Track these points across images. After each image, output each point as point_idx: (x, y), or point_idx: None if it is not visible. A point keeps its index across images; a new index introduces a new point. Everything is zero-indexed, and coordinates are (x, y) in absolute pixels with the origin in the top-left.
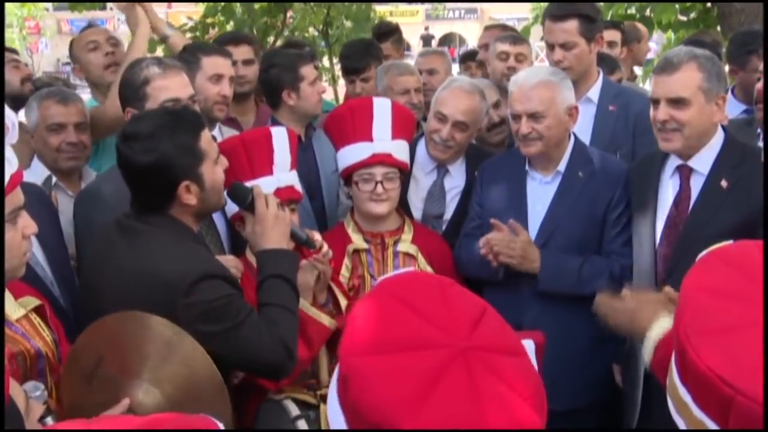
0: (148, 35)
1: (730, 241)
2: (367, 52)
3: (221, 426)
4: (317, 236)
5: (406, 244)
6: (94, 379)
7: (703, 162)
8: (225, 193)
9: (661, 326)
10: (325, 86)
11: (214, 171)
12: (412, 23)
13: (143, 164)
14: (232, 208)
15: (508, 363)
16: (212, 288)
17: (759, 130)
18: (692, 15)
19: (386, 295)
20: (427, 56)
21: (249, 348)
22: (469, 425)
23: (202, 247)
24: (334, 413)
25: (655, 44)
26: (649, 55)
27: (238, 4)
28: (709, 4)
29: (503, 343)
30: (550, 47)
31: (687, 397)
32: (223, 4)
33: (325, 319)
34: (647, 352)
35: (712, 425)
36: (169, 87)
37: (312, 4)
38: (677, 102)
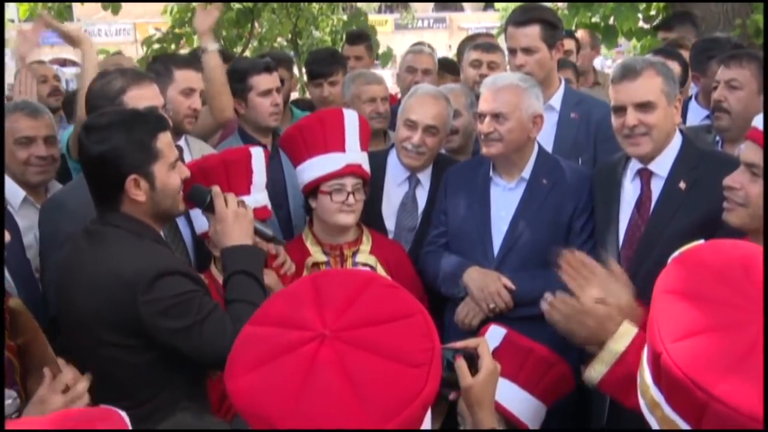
0: (94, 51)
1: (701, 241)
2: (334, 58)
3: (123, 415)
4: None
5: (364, 255)
6: None
7: (662, 165)
8: (184, 196)
9: (626, 337)
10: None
11: (168, 174)
12: (381, 33)
13: (95, 153)
14: (201, 224)
15: (387, 330)
16: (172, 284)
17: (717, 138)
18: (655, 23)
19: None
20: (420, 54)
21: (214, 344)
22: (351, 407)
23: (164, 248)
24: None
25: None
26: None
27: None
28: (671, 13)
29: (381, 312)
30: (512, 52)
31: (659, 397)
32: (189, 15)
33: None
34: (604, 365)
35: (684, 425)
36: (145, 96)
37: (279, 14)
38: (644, 106)
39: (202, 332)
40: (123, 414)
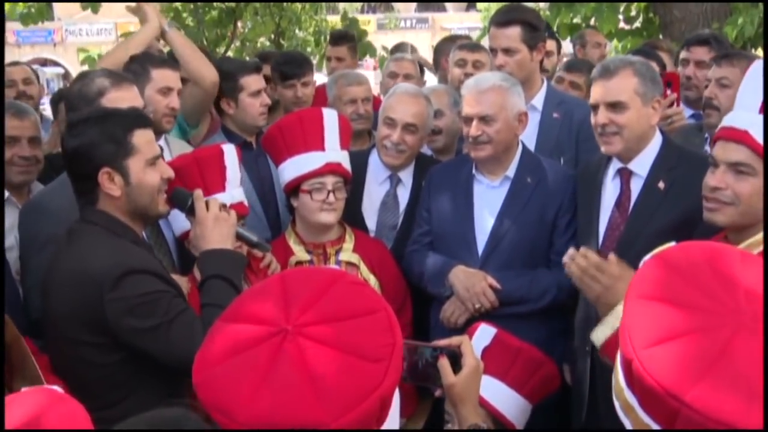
0: (154, 34)
1: (672, 243)
2: (304, 59)
3: (59, 390)
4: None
5: (347, 253)
6: None
7: (641, 165)
8: (167, 198)
9: None
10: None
11: (145, 171)
12: None
13: (70, 147)
14: (179, 226)
15: (350, 326)
16: (139, 283)
17: (706, 135)
18: (636, 24)
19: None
20: (402, 61)
21: (180, 347)
22: (308, 400)
23: (139, 247)
24: None
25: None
26: None
27: (187, 15)
28: (651, 14)
29: (345, 308)
30: (494, 52)
31: (633, 401)
32: (172, 15)
33: None
34: (608, 328)
35: (657, 427)
36: (124, 98)
37: (262, 14)
38: (615, 106)
39: (169, 333)
40: (56, 387)
